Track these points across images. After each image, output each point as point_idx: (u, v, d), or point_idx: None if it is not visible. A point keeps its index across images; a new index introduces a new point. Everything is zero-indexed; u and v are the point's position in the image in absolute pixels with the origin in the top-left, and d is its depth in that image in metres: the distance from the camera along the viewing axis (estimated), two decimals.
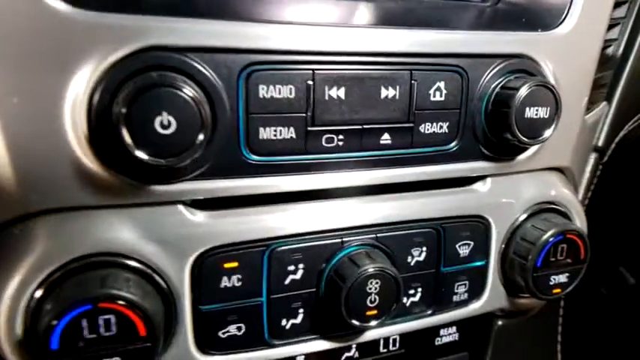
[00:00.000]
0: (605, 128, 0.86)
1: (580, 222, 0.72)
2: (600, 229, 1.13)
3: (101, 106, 0.45)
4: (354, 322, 0.56)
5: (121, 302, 0.46)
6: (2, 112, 0.44)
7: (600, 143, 0.86)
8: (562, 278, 0.67)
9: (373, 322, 0.57)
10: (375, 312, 0.57)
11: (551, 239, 0.65)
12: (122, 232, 0.50)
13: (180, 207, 0.52)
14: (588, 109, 0.76)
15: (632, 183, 1.02)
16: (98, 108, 0.46)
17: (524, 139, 0.59)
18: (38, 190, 0.47)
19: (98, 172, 0.47)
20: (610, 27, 0.79)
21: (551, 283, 0.67)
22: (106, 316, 0.46)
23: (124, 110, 0.43)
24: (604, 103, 0.83)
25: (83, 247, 0.48)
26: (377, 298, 0.56)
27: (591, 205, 0.92)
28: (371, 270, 0.55)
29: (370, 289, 0.56)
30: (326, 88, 0.53)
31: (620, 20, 0.80)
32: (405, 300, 0.63)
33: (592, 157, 0.88)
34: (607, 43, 0.78)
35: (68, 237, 0.48)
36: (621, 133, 0.89)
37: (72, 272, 0.48)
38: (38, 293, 0.47)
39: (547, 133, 0.60)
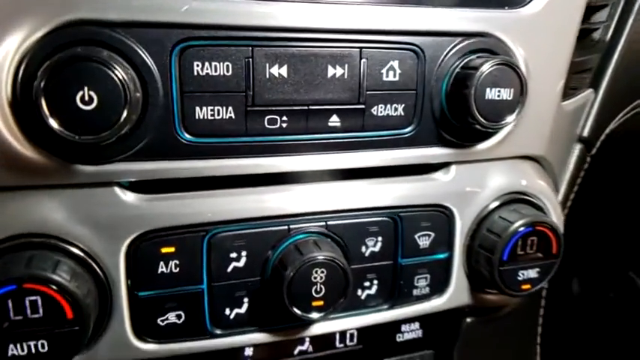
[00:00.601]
0: (591, 118, 0.81)
1: (555, 215, 0.68)
2: (605, 230, 1.09)
3: (25, 80, 0.44)
4: (297, 311, 0.53)
5: (46, 284, 0.45)
6: None
7: (586, 133, 0.81)
8: (532, 273, 0.64)
9: (317, 314, 0.54)
10: (320, 303, 0.54)
11: (519, 231, 0.61)
12: (53, 213, 0.49)
13: (116, 189, 0.50)
14: (568, 95, 0.72)
15: (626, 180, 0.97)
16: (22, 82, 0.44)
17: (485, 122, 0.55)
18: None
19: (26, 151, 0.46)
20: (598, 8, 0.75)
21: (519, 278, 0.63)
22: (32, 298, 0.45)
23: (43, 83, 0.42)
24: (589, 90, 0.79)
25: (11, 227, 0.47)
26: (323, 288, 0.54)
27: (582, 201, 0.88)
28: (318, 258, 0.53)
29: (315, 278, 0.53)
30: (267, 66, 0.50)
31: (609, 1, 0.75)
32: (359, 292, 0.60)
33: (577, 149, 0.83)
34: (594, 25, 0.74)
35: None
36: (611, 126, 0.84)
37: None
38: None
39: (511, 117, 0.57)
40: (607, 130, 0.85)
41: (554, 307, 1.09)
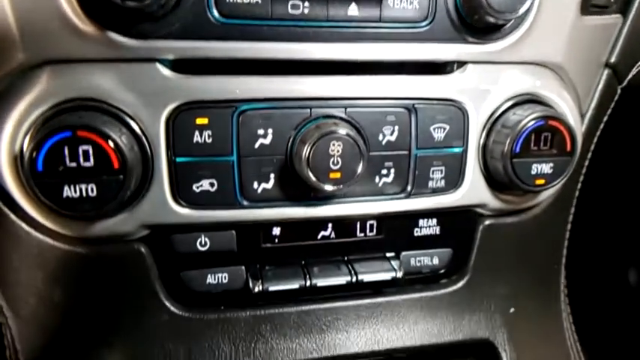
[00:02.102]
0: (619, 44, 0.82)
1: (572, 119, 0.70)
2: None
3: None
4: (314, 179, 0.58)
5: (97, 133, 0.52)
6: None
7: (613, 59, 0.82)
8: (545, 169, 0.66)
9: (334, 186, 0.59)
10: (337, 175, 0.59)
11: (531, 123, 0.64)
12: (104, 81, 0.56)
13: (158, 65, 0.58)
14: (591, 12, 0.74)
15: None
16: None
17: (494, 9, 0.59)
18: (34, 43, 0.55)
19: (83, 25, 0.54)
20: None
21: (532, 173, 0.66)
22: (85, 147, 0.53)
23: None
24: (616, 15, 0.80)
25: (67, 92, 0.55)
26: (340, 160, 0.59)
27: (612, 140, 0.87)
28: (335, 132, 0.58)
29: (332, 150, 0.58)
30: None
31: None
32: (377, 180, 0.65)
33: (604, 74, 0.84)
34: None
35: (57, 83, 0.55)
36: None
37: (58, 113, 0.55)
38: (30, 130, 0.54)
39: (523, 7, 0.60)
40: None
41: (610, 298, 1.07)
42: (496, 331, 0.73)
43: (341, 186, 0.60)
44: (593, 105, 0.82)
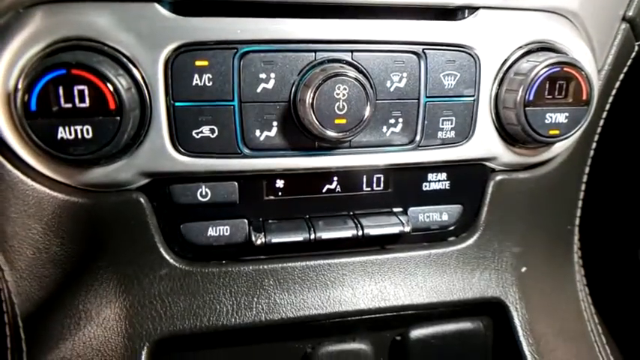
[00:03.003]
0: None
1: (589, 68, 0.66)
2: None
3: None
4: (319, 126, 0.56)
5: (92, 72, 0.50)
6: None
7: (631, 13, 0.79)
8: (560, 118, 0.63)
9: (339, 133, 0.57)
10: (343, 121, 0.57)
11: (545, 70, 0.61)
12: (100, 20, 0.54)
13: (157, 5, 0.55)
14: None
15: None
16: None
17: None
18: None
19: None
20: None
21: (546, 122, 0.63)
22: (80, 87, 0.51)
23: None
24: None
25: (62, 31, 0.53)
26: (345, 105, 0.56)
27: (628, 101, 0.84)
28: (341, 74, 0.55)
29: (338, 94, 0.56)
30: None
31: None
32: (384, 129, 0.62)
33: (621, 28, 0.81)
34: None
35: (51, 22, 0.53)
36: None
37: (53, 52, 0.53)
38: (24, 70, 0.52)
39: None
40: None
41: (621, 278, 1.03)
42: (507, 290, 0.71)
43: (347, 133, 0.57)
44: (609, 61, 0.79)
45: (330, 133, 0.57)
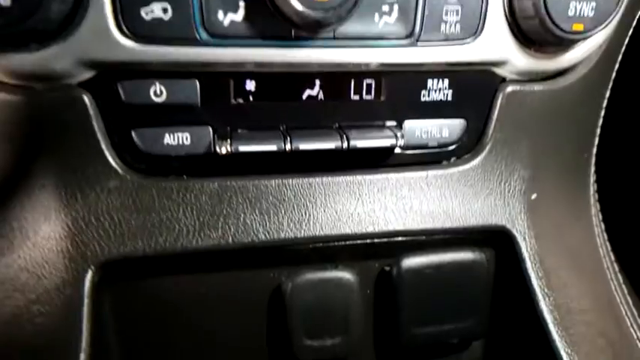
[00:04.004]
0: None
1: None
2: None
3: None
4: (300, 5, 0.45)
5: None
6: None
7: None
8: (586, 10, 0.53)
9: (323, 14, 0.46)
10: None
11: None
12: None
13: None
14: None
15: None
16: None
17: None
18: None
19: None
20: None
21: (569, 14, 0.53)
22: None
23: None
24: None
25: None
26: None
27: None
28: None
29: None
30: None
31: None
32: (376, 18, 0.52)
33: None
34: None
35: None
36: None
37: None
38: None
39: None
40: None
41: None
42: (514, 218, 0.61)
43: (330, 13, 0.47)
44: None
45: (310, 13, 0.46)
